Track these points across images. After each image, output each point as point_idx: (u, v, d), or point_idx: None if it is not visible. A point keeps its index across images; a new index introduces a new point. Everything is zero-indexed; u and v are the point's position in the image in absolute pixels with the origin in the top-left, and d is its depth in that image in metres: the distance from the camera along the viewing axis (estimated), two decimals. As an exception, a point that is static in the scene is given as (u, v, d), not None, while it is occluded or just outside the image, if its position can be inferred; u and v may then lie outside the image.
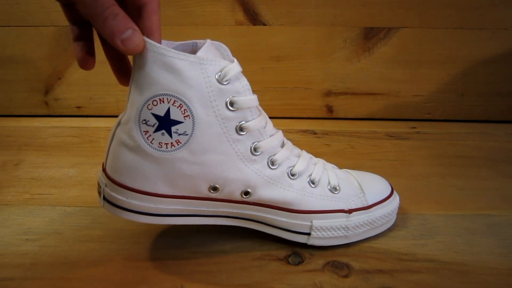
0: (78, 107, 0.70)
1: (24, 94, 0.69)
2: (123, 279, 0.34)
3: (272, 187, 0.35)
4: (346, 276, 0.34)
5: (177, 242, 0.38)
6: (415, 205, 0.44)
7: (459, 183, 0.49)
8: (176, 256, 0.36)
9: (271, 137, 0.34)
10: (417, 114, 0.70)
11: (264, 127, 0.34)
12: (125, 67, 0.36)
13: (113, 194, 0.33)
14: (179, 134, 0.31)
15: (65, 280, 0.34)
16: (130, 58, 0.34)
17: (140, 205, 0.33)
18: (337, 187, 0.37)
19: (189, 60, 0.30)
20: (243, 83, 0.32)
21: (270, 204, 0.35)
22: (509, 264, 0.36)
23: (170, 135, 0.31)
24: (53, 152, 0.57)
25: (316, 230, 0.36)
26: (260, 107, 0.34)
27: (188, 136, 0.31)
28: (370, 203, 0.38)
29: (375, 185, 0.39)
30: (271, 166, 0.34)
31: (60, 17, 0.64)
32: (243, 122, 0.32)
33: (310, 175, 0.37)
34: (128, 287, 0.33)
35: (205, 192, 0.33)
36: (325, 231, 0.36)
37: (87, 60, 0.34)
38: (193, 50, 0.33)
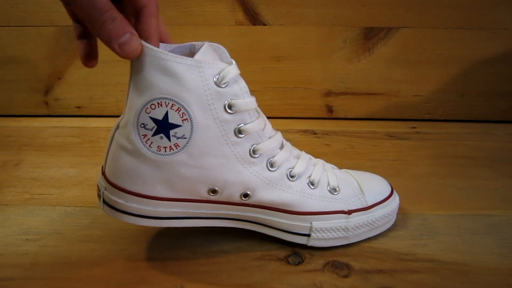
0: (78, 107, 0.70)
1: (24, 94, 0.69)
2: (123, 279, 0.34)
3: (271, 189, 0.35)
4: (346, 276, 0.34)
5: (177, 242, 0.38)
6: (415, 205, 0.44)
7: (459, 183, 0.49)
8: (176, 256, 0.36)
9: (270, 139, 0.34)
10: (417, 114, 0.70)
11: (263, 129, 0.34)
12: (92, 50, 0.35)
13: (113, 197, 0.33)
14: (178, 138, 0.31)
15: (65, 280, 0.34)
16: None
17: (140, 209, 0.33)
18: (337, 188, 0.37)
19: (187, 64, 0.30)
20: (241, 86, 0.32)
21: (270, 206, 0.35)
22: (509, 264, 0.36)
23: (169, 139, 0.31)
24: (53, 152, 0.57)
25: (315, 232, 0.36)
26: (258, 109, 0.34)
27: (186, 140, 0.31)
28: (370, 204, 0.38)
29: (375, 186, 0.39)
30: (270, 168, 0.34)
31: (60, 17, 0.64)
32: (242, 124, 0.32)
33: (310, 176, 0.37)
34: (128, 287, 0.33)
35: (205, 195, 0.33)
36: (325, 232, 0.36)
37: (90, 58, 0.34)
38: (191, 53, 0.33)
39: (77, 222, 0.41)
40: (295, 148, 0.38)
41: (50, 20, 0.64)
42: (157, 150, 0.31)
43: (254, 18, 0.64)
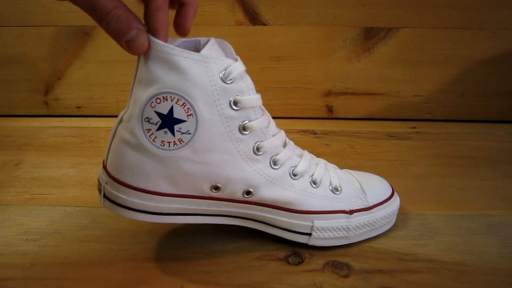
0: (78, 107, 0.70)
1: (24, 94, 0.69)
2: (123, 279, 0.34)
3: (274, 187, 0.35)
4: (346, 276, 0.34)
5: (177, 242, 0.38)
6: (415, 205, 0.44)
7: (459, 183, 0.49)
8: (176, 256, 0.36)
9: (273, 136, 0.34)
10: (417, 114, 0.70)
11: (267, 127, 0.34)
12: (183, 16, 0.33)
13: (114, 192, 0.33)
14: (182, 133, 0.31)
15: (65, 280, 0.34)
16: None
17: (142, 204, 0.33)
18: (339, 188, 0.37)
19: (194, 59, 0.30)
20: (247, 82, 0.32)
21: (272, 204, 0.35)
22: (509, 264, 0.36)
23: (173, 134, 0.31)
24: (53, 152, 0.57)
25: (317, 231, 0.36)
26: (263, 107, 0.34)
27: (191, 135, 0.31)
28: (371, 204, 0.38)
29: (376, 186, 0.39)
30: (273, 166, 0.34)
31: (60, 17, 0.64)
32: (246, 121, 0.32)
33: (312, 175, 0.36)
34: (128, 287, 0.33)
35: (207, 192, 0.33)
36: (326, 231, 0.36)
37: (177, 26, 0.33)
38: (196, 48, 0.33)
39: (77, 222, 0.41)
40: (298, 147, 0.38)
41: (50, 20, 0.64)
42: (160, 145, 0.31)
43: (254, 18, 0.64)
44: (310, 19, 0.64)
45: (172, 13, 0.31)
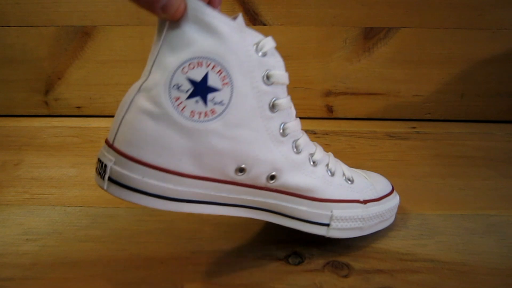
0: (78, 107, 0.70)
1: (24, 94, 0.69)
2: (123, 279, 0.34)
3: (297, 172, 0.33)
4: (346, 276, 0.34)
5: (177, 242, 0.38)
6: (415, 205, 0.44)
7: (459, 183, 0.49)
8: (176, 256, 0.36)
9: (296, 119, 0.34)
10: (417, 114, 0.70)
11: (291, 108, 0.33)
12: None
13: (125, 172, 0.28)
14: (215, 103, 0.28)
15: (65, 280, 0.34)
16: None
17: (158, 186, 0.29)
18: (351, 178, 0.37)
19: (231, 25, 0.28)
20: (278, 59, 0.31)
21: (293, 191, 0.34)
22: (509, 264, 0.36)
23: (205, 103, 0.28)
24: (53, 152, 0.57)
25: (336, 220, 0.35)
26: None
27: (224, 106, 0.28)
28: (380, 195, 0.38)
29: (379, 180, 0.40)
30: (295, 150, 0.33)
31: (60, 17, 0.64)
32: (276, 99, 0.31)
33: (327, 164, 0.36)
34: (128, 287, 0.33)
35: (231, 174, 0.31)
36: (344, 221, 0.36)
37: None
38: None
39: (77, 222, 0.41)
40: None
41: (50, 20, 0.64)
42: (190, 115, 0.28)
43: (254, 18, 0.64)
44: (310, 19, 0.64)
45: None
